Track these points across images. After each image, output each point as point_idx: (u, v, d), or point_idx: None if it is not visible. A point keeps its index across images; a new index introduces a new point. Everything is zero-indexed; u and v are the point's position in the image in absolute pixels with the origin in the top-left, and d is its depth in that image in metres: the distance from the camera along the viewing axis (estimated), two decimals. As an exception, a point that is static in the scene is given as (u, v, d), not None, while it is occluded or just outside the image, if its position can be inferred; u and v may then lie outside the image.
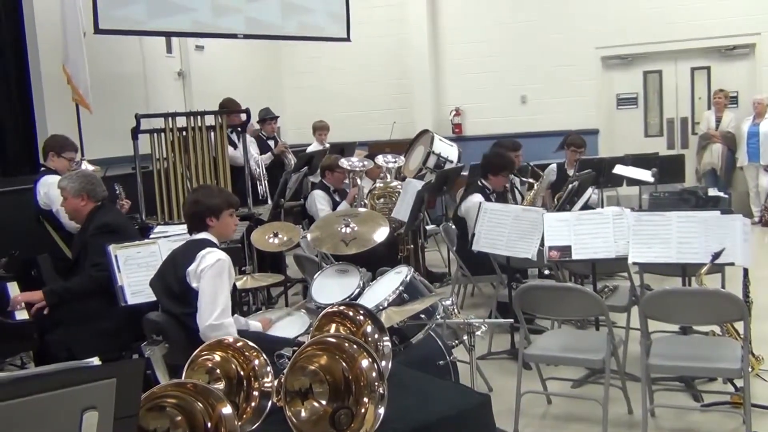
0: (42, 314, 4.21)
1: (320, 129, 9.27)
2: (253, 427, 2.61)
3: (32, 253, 5.19)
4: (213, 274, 3.49)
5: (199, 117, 6.06)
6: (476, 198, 5.85)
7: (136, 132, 5.82)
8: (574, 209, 5.82)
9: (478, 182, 6.17)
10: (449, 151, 7.54)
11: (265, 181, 7.58)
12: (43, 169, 5.49)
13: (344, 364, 2.60)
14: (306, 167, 7.43)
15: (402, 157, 7.39)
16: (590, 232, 4.49)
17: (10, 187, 6.42)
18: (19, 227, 5.54)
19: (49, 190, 5.08)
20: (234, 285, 3.73)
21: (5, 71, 7.51)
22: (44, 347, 4.21)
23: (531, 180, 6.95)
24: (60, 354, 4.05)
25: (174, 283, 3.61)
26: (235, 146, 6.91)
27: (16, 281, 4.55)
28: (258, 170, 7.55)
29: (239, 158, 6.76)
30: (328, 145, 8.86)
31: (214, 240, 3.70)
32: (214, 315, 3.44)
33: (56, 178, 4.87)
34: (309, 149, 8.83)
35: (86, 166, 5.72)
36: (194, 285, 3.52)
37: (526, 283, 4.41)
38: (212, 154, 6.12)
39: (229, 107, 7.21)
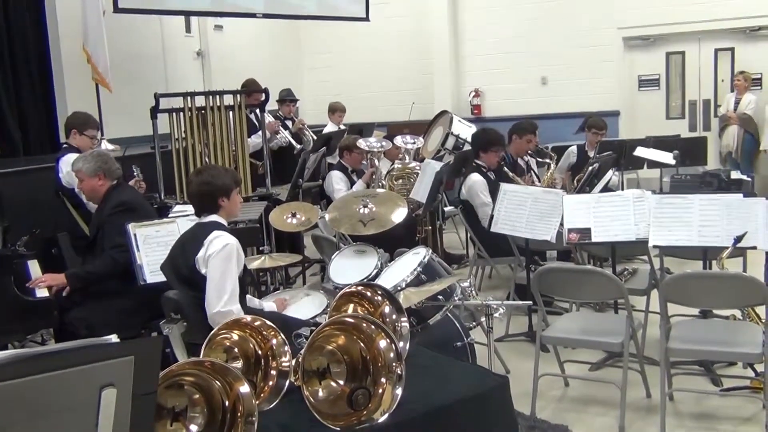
0: (62, 292, 4.24)
1: (339, 110, 9.17)
2: (271, 406, 2.61)
3: (53, 231, 5.23)
4: (220, 259, 3.47)
5: (217, 96, 6.06)
6: (474, 177, 6.03)
7: (155, 111, 5.83)
8: (594, 191, 5.77)
9: (473, 162, 6.25)
10: (468, 132, 7.51)
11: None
12: (65, 146, 5.48)
13: (362, 344, 2.60)
14: (324, 148, 7.41)
15: (421, 138, 7.36)
16: (610, 214, 4.46)
17: (31, 165, 6.47)
18: (40, 205, 5.57)
19: (71, 169, 5.08)
20: (245, 266, 3.71)
21: (26, 51, 7.55)
22: (64, 325, 4.24)
23: (548, 161, 6.90)
24: (80, 332, 4.07)
25: (184, 268, 3.60)
26: (254, 126, 6.89)
27: (36, 259, 4.58)
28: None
29: (259, 143, 6.71)
30: (345, 126, 8.81)
31: (223, 222, 3.68)
32: (222, 302, 3.43)
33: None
34: (325, 130, 8.79)
35: (106, 145, 5.74)
36: (203, 271, 3.51)
37: (545, 266, 4.38)
38: (230, 134, 6.12)
39: (249, 88, 7.19)
